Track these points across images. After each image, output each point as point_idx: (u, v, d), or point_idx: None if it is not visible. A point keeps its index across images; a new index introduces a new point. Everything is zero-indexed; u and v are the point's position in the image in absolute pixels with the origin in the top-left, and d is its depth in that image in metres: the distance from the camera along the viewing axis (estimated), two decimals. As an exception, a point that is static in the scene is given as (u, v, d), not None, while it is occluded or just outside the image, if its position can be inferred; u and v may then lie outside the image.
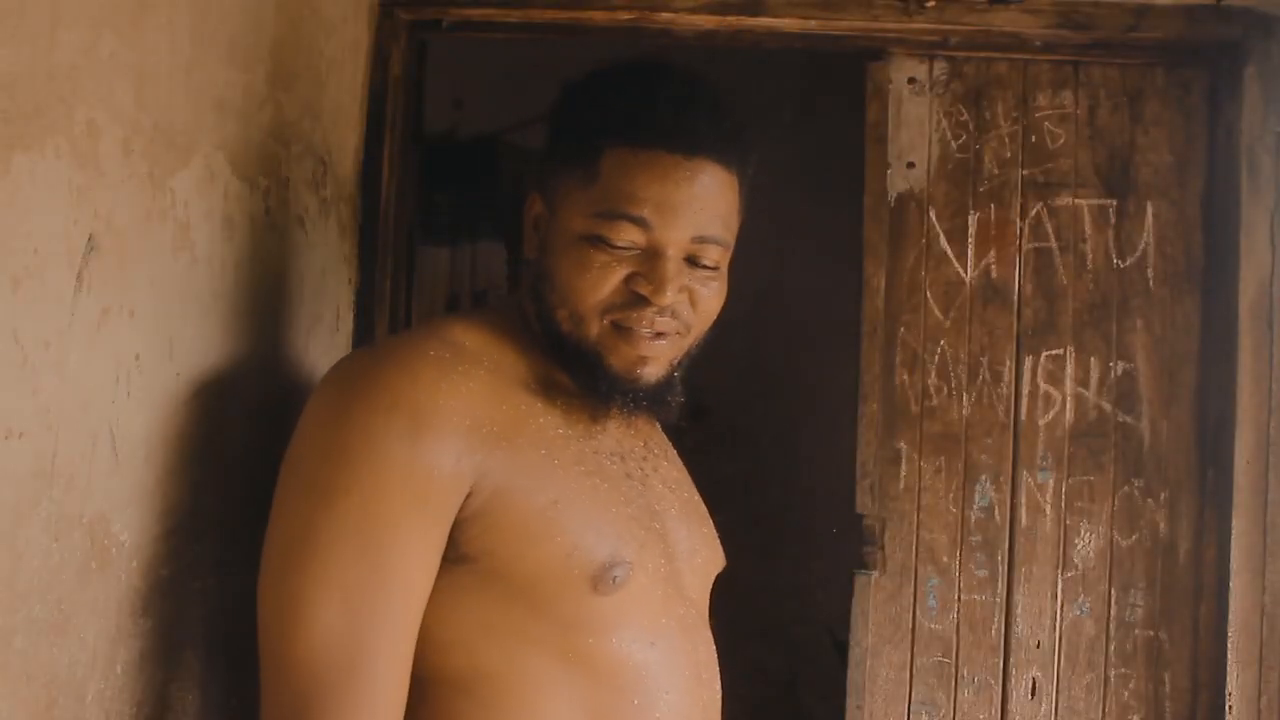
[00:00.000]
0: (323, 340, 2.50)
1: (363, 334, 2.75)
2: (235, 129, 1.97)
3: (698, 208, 1.73)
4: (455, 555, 1.66)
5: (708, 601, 1.99)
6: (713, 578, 2.01)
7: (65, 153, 1.42)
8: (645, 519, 1.83)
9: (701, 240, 1.75)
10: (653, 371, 1.79)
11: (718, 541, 2.03)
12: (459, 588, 1.67)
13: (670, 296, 1.73)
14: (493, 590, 1.68)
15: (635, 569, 1.74)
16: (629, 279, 1.73)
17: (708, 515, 2.05)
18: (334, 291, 2.58)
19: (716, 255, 1.79)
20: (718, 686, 1.90)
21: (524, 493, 1.67)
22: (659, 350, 1.78)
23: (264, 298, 2.12)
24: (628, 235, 1.72)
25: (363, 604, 1.58)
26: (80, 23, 1.45)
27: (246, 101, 2.02)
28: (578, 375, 1.80)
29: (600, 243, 1.72)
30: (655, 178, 1.71)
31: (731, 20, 2.89)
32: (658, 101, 1.75)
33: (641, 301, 1.73)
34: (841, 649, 3.01)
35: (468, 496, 1.64)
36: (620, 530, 1.75)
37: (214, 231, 1.89)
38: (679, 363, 1.85)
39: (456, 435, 1.63)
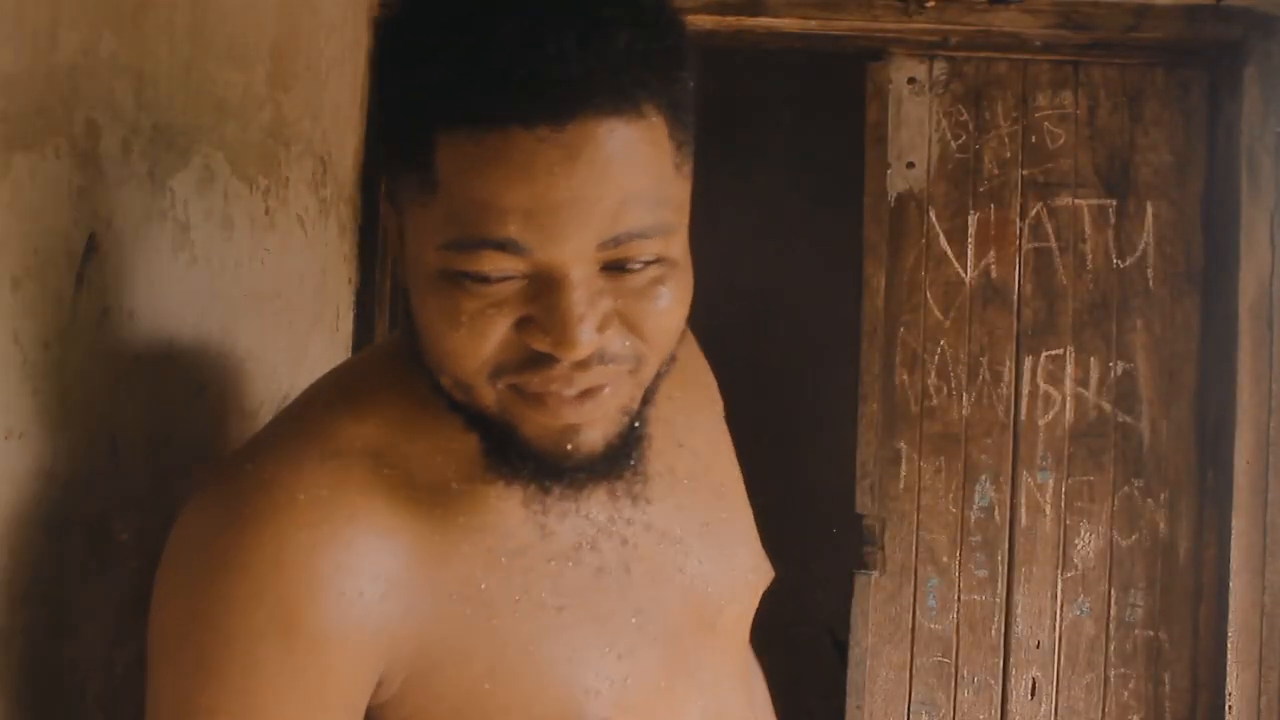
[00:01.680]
0: (323, 340, 2.50)
1: (363, 333, 2.75)
2: (235, 129, 1.97)
3: (596, 197, 1.06)
4: None
5: (747, 622, 1.52)
6: (755, 598, 1.50)
7: (65, 153, 1.42)
8: (628, 632, 1.32)
9: (618, 241, 1.08)
10: (591, 439, 1.18)
11: (756, 555, 1.51)
12: None
13: (586, 344, 1.09)
14: None
15: (621, 708, 1.29)
16: (519, 325, 1.11)
17: (741, 527, 1.52)
18: (334, 291, 2.58)
19: (655, 247, 1.11)
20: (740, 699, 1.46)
21: (450, 666, 1.22)
22: (592, 411, 1.16)
23: (264, 297, 2.12)
24: (496, 265, 1.07)
25: None
26: (80, 23, 1.45)
27: (246, 101, 2.02)
28: (494, 452, 1.21)
29: (463, 280, 1.09)
30: (513, 172, 1.04)
31: (731, 20, 2.88)
32: (491, 47, 1.03)
33: (545, 360, 1.11)
34: (841, 649, 3.01)
35: (379, 684, 1.21)
36: (587, 675, 1.28)
37: (213, 232, 1.89)
38: (637, 406, 1.21)
39: (343, 620, 1.15)
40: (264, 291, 2.12)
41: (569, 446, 1.17)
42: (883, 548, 2.93)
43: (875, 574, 2.92)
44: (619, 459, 1.22)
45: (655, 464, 1.39)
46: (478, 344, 1.11)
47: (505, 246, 1.06)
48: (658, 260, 1.13)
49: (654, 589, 1.36)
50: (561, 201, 1.05)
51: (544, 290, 1.08)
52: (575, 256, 1.07)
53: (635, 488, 1.36)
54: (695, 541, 1.41)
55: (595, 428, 1.17)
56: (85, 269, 1.48)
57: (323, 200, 2.45)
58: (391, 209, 1.20)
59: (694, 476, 1.46)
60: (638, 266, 1.11)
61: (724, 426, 1.60)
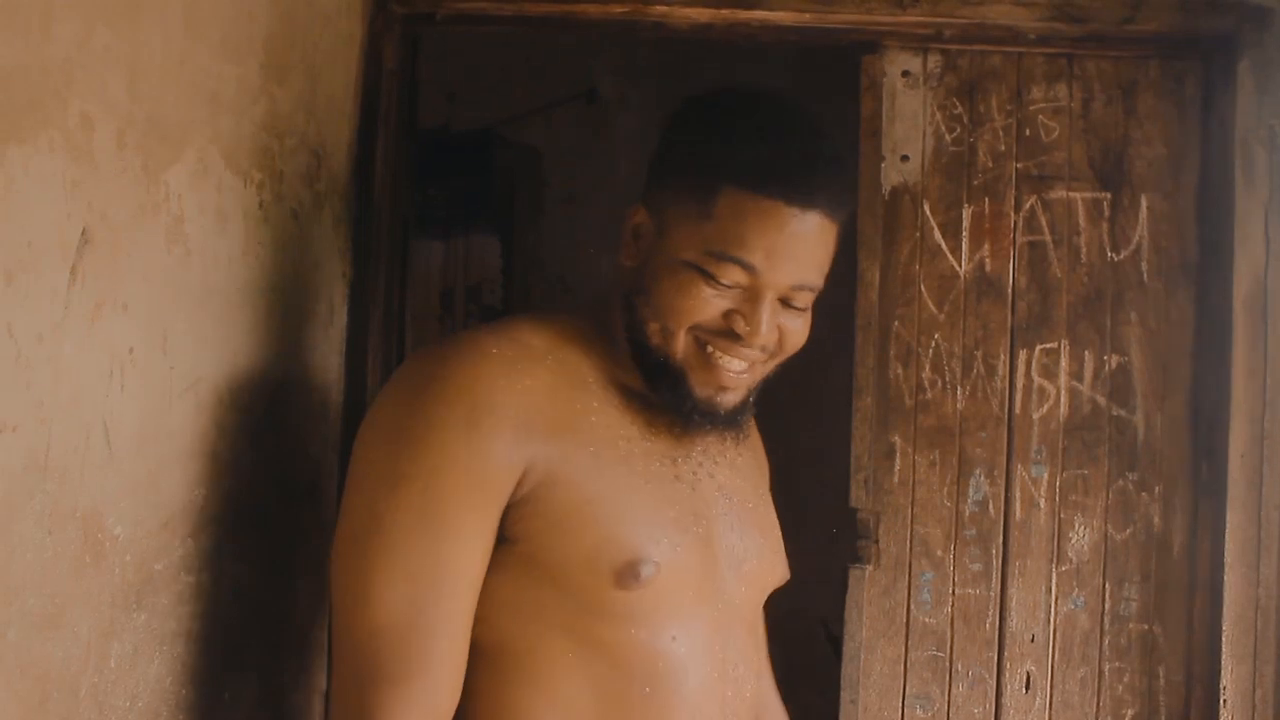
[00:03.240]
0: (316, 333, 2.50)
1: (356, 328, 2.74)
2: (229, 122, 1.97)
3: (803, 257, 1.81)
4: (499, 536, 1.79)
5: (757, 609, 2.12)
6: (766, 588, 2.12)
7: (59, 146, 1.42)
8: (687, 521, 1.89)
9: (799, 287, 1.83)
10: (731, 399, 1.90)
11: (777, 554, 2.14)
12: (496, 566, 1.79)
13: (763, 338, 1.82)
14: (524, 572, 1.79)
15: (663, 568, 1.81)
16: (727, 314, 1.82)
17: (772, 527, 2.15)
18: (327, 285, 2.58)
19: (808, 299, 1.87)
20: (747, 688, 1.98)
21: (566, 486, 1.78)
22: (740, 381, 1.89)
23: (257, 291, 2.12)
24: (734, 276, 1.79)
25: (424, 583, 1.71)
26: (74, 15, 1.44)
27: (240, 95, 2.02)
28: (657, 387, 1.89)
29: (706, 276, 1.79)
30: (770, 227, 1.77)
31: (726, 13, 2.88)
32: (782, 150, 1.80)
33: (734, 337, 1.82)
34: (836, 643, 3.01)
35: (518, 484, 1.76)
36: (654, 530, 1.83)
37: (207, 225, 1.89)
38: (755, 388, 1.97)
39: (511, 427, 1.75)
40: (258, 285, 2.12)
41: (719, 399, 1.89)
42: (877, 542, 2.93)
43: (869, 568, 2.92)
44: (732, 421, 1.96)
45: (735, 458, 2.07)
46: (697, 312, 1.81)
47: (746, 268, 1.78)
48: (805, 307, 1.88)
49: (707, 511, 1.94)
50: (789, 252, 1.78)
51: (752, 299, 1.80)
52: (778, 285, 1.80)
53: (721, 448, 2.03)
54: (738, 516, 2.01)
55: (736, 392, 1.91)
56: (79, 262, 1.48)
57: (317, 194, 2.45)
58: (648, 216, 1.90)
59: (741, 476, 2.09)
60: (796, 306, 1.86)
61: (769, 492, 2.25)
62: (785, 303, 1.84)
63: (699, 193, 1.80)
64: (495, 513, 1.77)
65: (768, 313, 1.81)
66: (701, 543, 1.91)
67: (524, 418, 1.77)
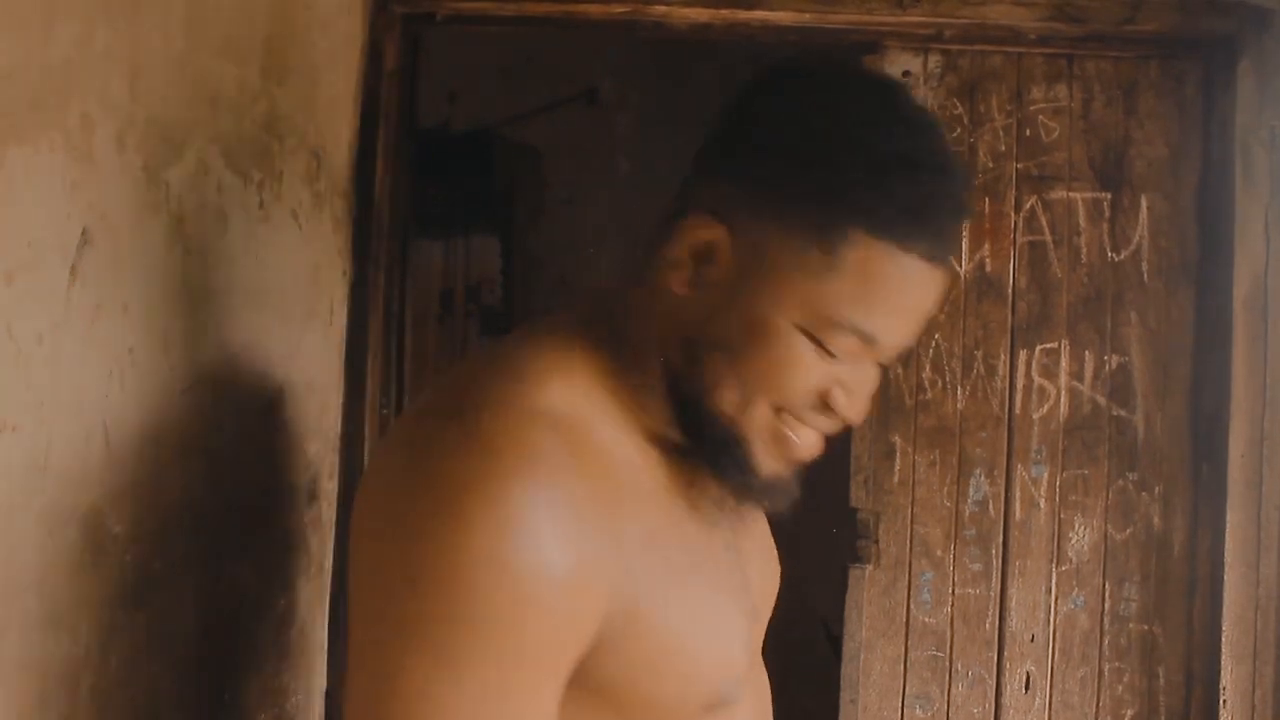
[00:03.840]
0: (317, 333, 2.50)
1: (356, 327, 2.74)
2: (229, 122, 1.97)
3: (919, 321, 1.43)
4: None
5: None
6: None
7: (60, 146, 1.42)
8: (744, 602, 1.58)
9: (902, 352, 1.49)
10: (789, 475, 1.51)
11: (778, 566, 1.82)
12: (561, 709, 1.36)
13: (862, 415, 1.47)
14: (596, 708, 1.40)
15: (740, 676, 1.53)
16: (822, 384, 1.42)
17: (768, 534, 1.78)
18: (328, 285, 2.58)
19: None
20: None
21: (649, 616, 1.38)
22: (812, 455, 1.50)
23: (257, 291, 2.12)
24: (850, 347, 1.38)
25: None
26: (75, 16, 1.45)
27: (240, 95, 2.02)
28: (713, 459, 1.47)
29: (816, 343, 1.38)
30: (909, 289, 1.38)
31: (726, 13, 2.88)
32: (938, 194, 1.37)
33: (828, 412, 1.44)
34: (836, 643, 3.01)
35: (595, 632, 1.34)
36: (731, 641, 1.51)
37: (207, 225, 1.89)
38: None
39: (592, 564, 1.31)
40: (258, 285, 2.12)
41: (782, 476, 1.48)
42: (877, 541, 2.93)
43: (869, 568, 2.93)
44: (790, 493, 1.53)
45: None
46: (797, 384, 1.40)
47: (868, 340, 1.37)
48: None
49: (751, 572, 1.62)
50: (915, 317, 1.41)
51: (861, 371, 1.43)
52: (888, 356, 1.43)
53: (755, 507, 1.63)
54: (760, 556, 1.70)
55: (800, 465, 1.50)
56: (79, 262, 1.48)
57: (316, 194, 2.45)
58: (728, 236, 1.39)
59: (761, 532, 1.73)
60: (883, 363, 1.46)
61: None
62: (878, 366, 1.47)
63: (819, 230, 1.34)
64: (570, 667, 1.33)
65: (871, 385, 1.46)
66: (752, 618, 1.60)
67: (599, 545, 1.32)
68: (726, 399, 1.42)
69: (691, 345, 1.43)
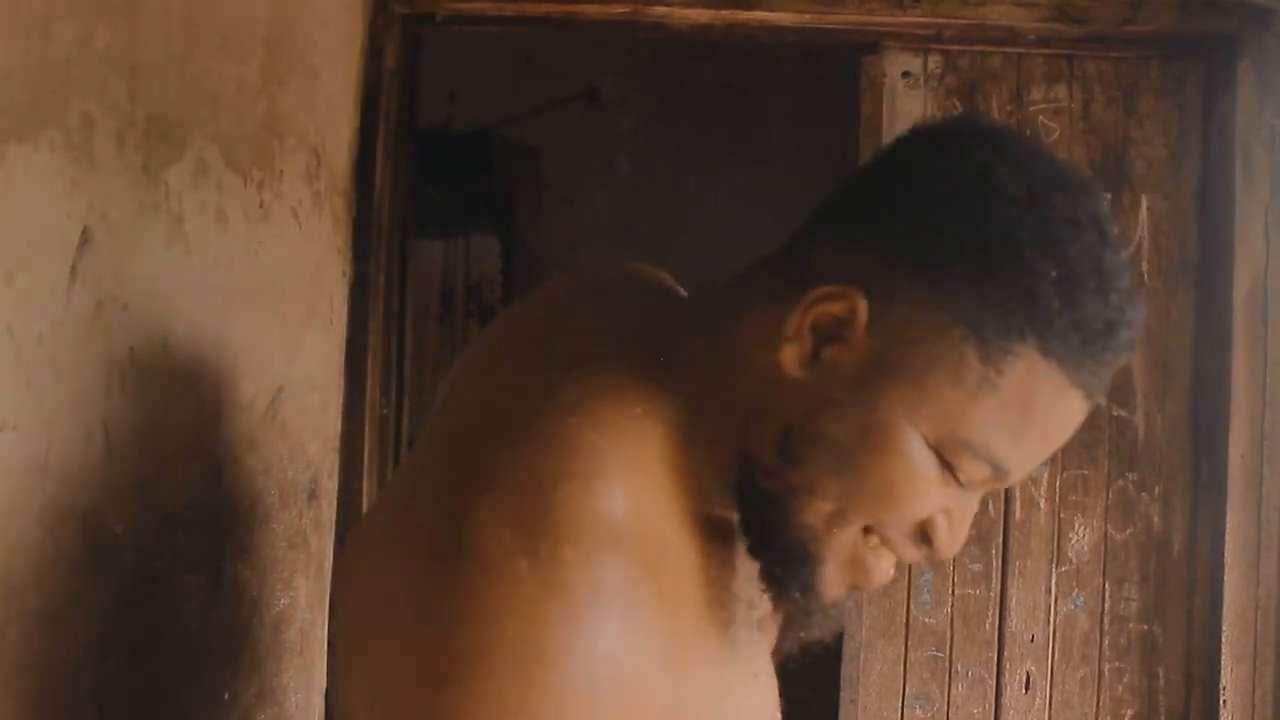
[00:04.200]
0: (317, 333, 2.50)
1: (356, 327, 2.74)
2: (229, 122, 1.97)
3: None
4: None
5: None
6: None
7: (60, 145, 1.42)
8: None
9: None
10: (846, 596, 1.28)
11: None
12: None
13: (957, 550, 1.24)
14: None
15: None
16: (929, 511, 1.20)
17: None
18: (328, 285, 2.58)
19: None
20: None
21: None
22: (882, 583, 1.27)
23: (257, 291, 2.12)
24: (979, 476, 1.17)
25: None
26: (75, 15, 1.44)
27: (240, 94, 2.02)
28: (770, 561, 1.24)
29: (945, 466, 1.16)
30: (1059, 425, 1.16)
31: (726, 14, 2.88)
32: (1120, 329, 1.13)
33: (925, 543, 1.22)
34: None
35: None
36: None
37: (207, 224, 1.89)
38: None
39: (643, 701, 1.11)
40: (258, 284, 2.12)
41: (840, 600, 1.25)
42: (877, 541, 2.93)
43: (869, 568, 2.93)
44: (837, 620, 1.30)
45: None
46: (908, 513, 1.18)
47: (1001, 472, 1.16)
48: None
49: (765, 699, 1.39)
50: (1050, 451, 1.19)
51: (967, 499, 1.20)
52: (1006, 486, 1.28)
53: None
54: (770, 687, 1.42)
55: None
56: (79, 261, 1.48)
57: (316, 193, 2.45)
58: (874, 319, 1.14)
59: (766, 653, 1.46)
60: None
61: None
62: None
63: (987, 339, 1.11)
64: None
65: (973, 514, 1.24)
66: None
67: (651, 673, 1.12)
68: (818, 510, 1.18)
69: (791, 438, 1.18)
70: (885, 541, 1.21)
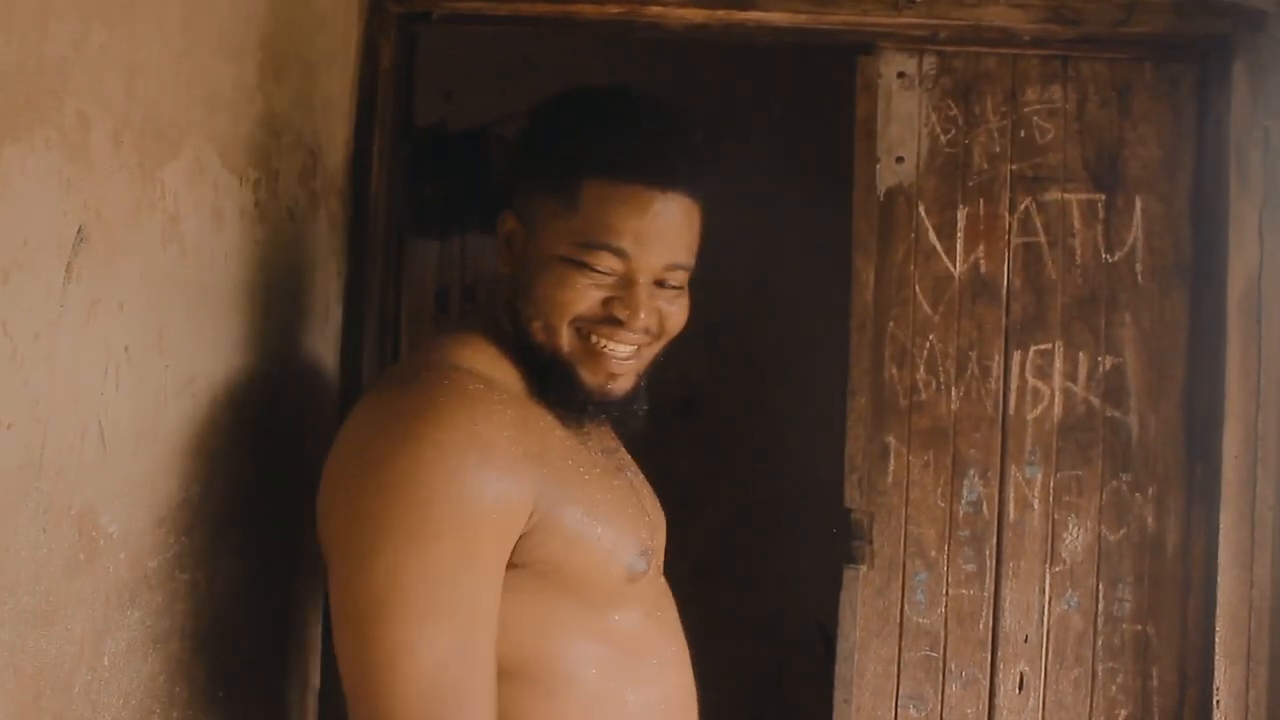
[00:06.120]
0: (312, 332, 2.50)
1: (351, 326, 2.74)
2: (225, 121, 1.97)
3: (670, 237, 1.86)
4: (511, 562, 1.77)
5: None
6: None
7: (55, 144, 1.42)
8: (638, 509, 1.99)
9: (671, 267, 1.87)
10: (621, 385, 1.93)
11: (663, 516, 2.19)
12: (510, 588, 1.77)
13: (643, 320, 1.85)
14: (541, 588, 1.81)
15: (651, 554, 1.94)
16: (605, 302, 1.85)
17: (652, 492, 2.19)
18: (323, 283, 2.58)
19: (682, 278, 1.92)
20: (682, 633, 2.07)
21: (567, 505, 1.80)
22: (627, 367, 1.92)
23: (253, 290, 2.12)
24: (607, 263, 1.82)
25: (467, 635, 1.68)
26: (70, 14, 1.45)
27: (236, 94, 2.02)
28: (551, 386, 1.90)
29: (582, 267, 1.83)
30: (634, 211, 1.82)
31: (721, 14, 2.88)
32: (636, 137, 1.86)
33: (615, 323, 1.85)
34: (830, 643, 3.01)
35: (529, 515, 1.76)
36: (634, 524, 1.93)
37: (203, 223, 1.89)
38: (644, 372, 1.99)
39: (517, 465, 1.74)
40: (253, 283, 2.13)
41: (609, 386, 1.91)
42: (871, 542, 2.93)
43: (863, 568, 2.93)
44: (631, 406, 1.98)
45: (616, 440, 2.14)
46: (577, 302, 1.84)
47: (618, 253, 1.82)
48: (680, 286, 1.92)
49: (639, 495, 2.05)
50: (655, 233, 1.83)
51: (628, 285, 1.84)
52: (651, 267, 1.85)
53: (609, 432, 2.10)
54: (647, 491, 2.13)
55: (625, 378, 1.93)
56: (75, 260, 1.48)
57: (312, 192, 2.46)
58: (518, 222, 1.92)
59: (646, 482, 2.17)
60: (672, 286, 1.89)
61: None
62: (660, 284, 1.88)
63: (563, 189, 1.85)
64: (510, 549, 1.76)
65: (644, 295, 1.85)
66: (648, 527, 2.00)
67: (522, 453, 1.76)
68: (536, 328, 1.88)
69: (511, 303, 1.92)
70: (597, 334, 1.86)
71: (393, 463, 1.68)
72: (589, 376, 1.89)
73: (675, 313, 1.92)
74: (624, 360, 1.90)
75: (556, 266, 1.84)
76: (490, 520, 1.70)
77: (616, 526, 1.87)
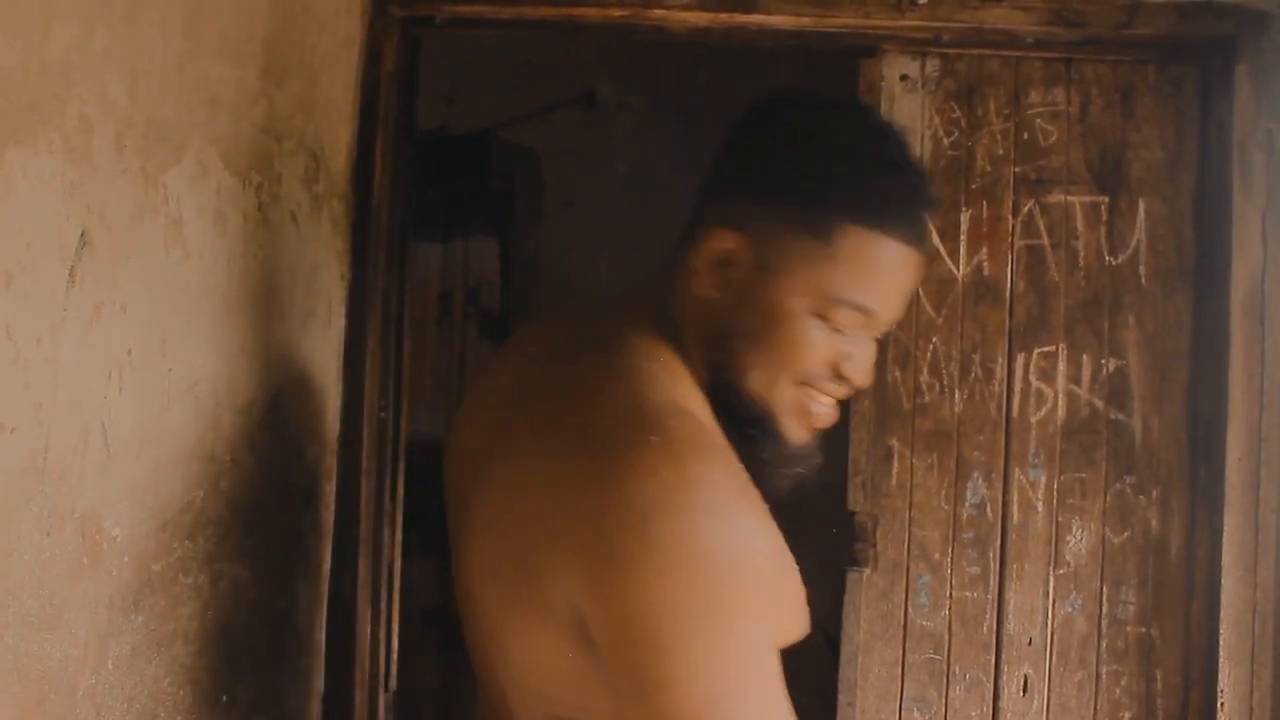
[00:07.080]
0: (314, 335, 2.50)
1: (354, 330, 2.74)
2: (228, 124, 1.97)
3: (908, 295, 1.71)
4: None
5: None
6: None
7: (58, 148, 1.42)
8: None
9: (893, 323, 1.74)
10: (811, 437, 1.75)
11: None
12: None
13: (870, 379, 1.74)
14: None
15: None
16: (833, 358, 1.66)
17: None
18: (326, 287, 2.58)
19: None
20: None
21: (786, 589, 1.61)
22: (828, 420, 1.74)
23: (256, 293, 2.12)
24: (852, 321, 1.63)
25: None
26: (73, 18, 1.45)
27: (239, 97, 2.02)
28: (765, 442, 1.69)
29: (824, 321, 1.63)
30: (895, 271, 1.64)
31: (725, 17, 2.88)
32: (907, 189, 1.67)
33: (841, 381, 1.68)
34: (833, 645, 3.01)
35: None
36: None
37: (206, 227, 1.89)
38: None
39: (773, 528, 1.54)
40: (256, 287, 2.13)
41: (803, 441, 1.71)
42: (875, 544, 2.93)
43: (867, 571, 2.93)
44: (813, 462, 1.77)
45: None
46: (811, 359, 1.64)
47: (867, 312, 1.62)
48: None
49: None
50: (905, 295, 1.68)
51: (864, 341, 1.67)
52: (887, 327, 1.69)
53: None
54: None
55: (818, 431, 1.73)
56: (78, 264, 1.48)
57: (315, 196, 2.46)
58: (746, 246, 1.63)
59: None
60: (878, 337, 1.71)
61: None
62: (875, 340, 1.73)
63: (817, 227, 1.61)
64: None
65: (874, 354, 1.71)
66: None
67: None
68: (757, 379, 1.66)
69: (723, 339, 1.67)
70: (816, 388, 1.67)
71: (681, 551, 1.42)
72: (794, 432, 1.70)
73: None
74: (828, 414, 1.73)
75: (797, 318, 1.63)
76: (772, 601, 1.53)
77: (800, 592, 1.66)
